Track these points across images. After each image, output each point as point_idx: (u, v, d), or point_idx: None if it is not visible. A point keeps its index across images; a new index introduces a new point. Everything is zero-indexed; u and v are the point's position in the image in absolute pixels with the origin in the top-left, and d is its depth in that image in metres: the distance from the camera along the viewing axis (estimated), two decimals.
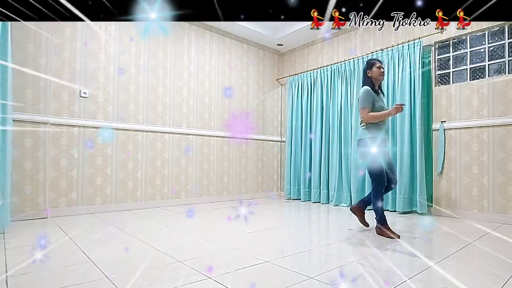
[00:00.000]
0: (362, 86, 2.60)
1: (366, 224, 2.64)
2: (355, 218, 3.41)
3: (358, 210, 2.68)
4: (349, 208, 2.63)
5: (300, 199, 4.85)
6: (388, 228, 2.42)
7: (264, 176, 5.26)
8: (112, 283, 1.44)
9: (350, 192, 4.21)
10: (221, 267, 1.68)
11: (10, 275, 1.54)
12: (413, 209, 3.60)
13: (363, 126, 2.58)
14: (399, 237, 2.37)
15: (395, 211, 3.68)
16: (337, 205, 4.27)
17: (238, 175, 4.86)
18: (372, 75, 2.57)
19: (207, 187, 4.46)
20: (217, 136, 4.60)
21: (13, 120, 2.72)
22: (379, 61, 2.58)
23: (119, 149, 3.65)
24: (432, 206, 3.53)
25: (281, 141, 5.50)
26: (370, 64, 2.59)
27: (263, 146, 5.25)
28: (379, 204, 2.44)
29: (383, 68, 2.57)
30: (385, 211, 2.52)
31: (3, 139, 2.42)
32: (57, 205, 3.19)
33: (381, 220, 2.46)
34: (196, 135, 4.37)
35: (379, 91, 2.65)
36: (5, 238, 2.27)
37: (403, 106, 2.39)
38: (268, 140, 5.34)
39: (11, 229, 2.48)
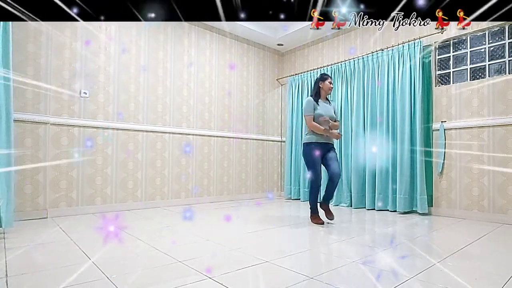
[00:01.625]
0: (310, 95, 3.07)
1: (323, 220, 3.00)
2: (355, 218, 3.41)
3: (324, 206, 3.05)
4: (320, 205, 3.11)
5: (300, 199, 4.84)
6: (315, 217, 2.99)
7: (264, 176, 5.26)
8: (112, 283, 1.44)
9: (351, 192, 4.21)
10: (221, 267, 1.68)
11: (10, 275, 1.54)
12: (414, 209, 3.60)
13: (307, 132, 3.01)
14: (323, 223, 2.92)
15: (395, 211, 3.68)
16: (337, 205, 4.27)
17: (238, 175, 4.86)
18: (323, 87, 3.02)
19: (207, 187, 4.46)
20: (217, 136, 4.60)
21: (14, 120, 2.72)
22: (330, 77, 3.06)
23: (119, 149, 3.65)
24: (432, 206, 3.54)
25: (281, 141, 5.50)
26: (324, 78, 3.04)
27: (263, 146, 5.25)
28: (312, 197, 3.02)
29: (332, 84, 3.07)
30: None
31: (8, 139, 2.42)
32: (57, 205, 3.19)
33: (312, 210, 3.02)
34: (196, 135, 4.37)
35: (327, 100, 3.09)
36: (5, 238, 2.27)
37: (339, 135, 2.99)
38: (268, 140, 5.34)
39: (11, 229, 2.48)
